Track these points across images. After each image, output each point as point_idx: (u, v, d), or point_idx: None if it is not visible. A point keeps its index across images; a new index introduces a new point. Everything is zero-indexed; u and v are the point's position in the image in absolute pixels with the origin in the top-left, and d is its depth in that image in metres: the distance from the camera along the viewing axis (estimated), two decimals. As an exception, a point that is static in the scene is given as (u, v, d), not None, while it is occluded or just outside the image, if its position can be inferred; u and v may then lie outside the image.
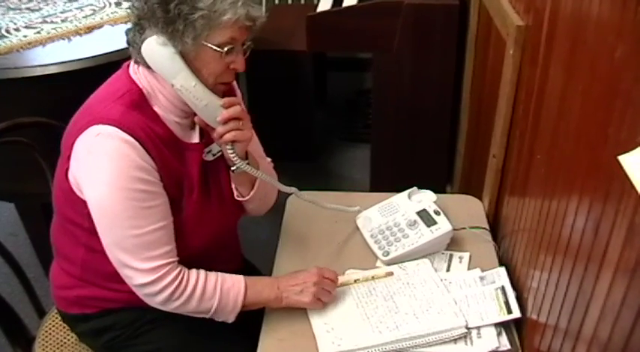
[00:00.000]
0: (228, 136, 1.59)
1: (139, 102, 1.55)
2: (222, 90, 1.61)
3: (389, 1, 2.83)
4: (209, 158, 1.69)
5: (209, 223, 1.70)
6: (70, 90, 2.34)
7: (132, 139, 1.49)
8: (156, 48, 1.49)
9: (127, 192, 1.50)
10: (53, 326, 1.94)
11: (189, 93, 1.52)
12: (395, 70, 2.96)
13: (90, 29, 2.66)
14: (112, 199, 1.51)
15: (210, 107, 1.56)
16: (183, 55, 1.50)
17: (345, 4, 3.12)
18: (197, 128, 1.66)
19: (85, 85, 2.34)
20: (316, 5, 3.28)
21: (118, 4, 2.89)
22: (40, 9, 2.86)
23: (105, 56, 2.37)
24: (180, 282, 1.58)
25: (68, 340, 1.91)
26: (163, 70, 1.51)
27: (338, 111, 4.57)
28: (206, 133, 1.67)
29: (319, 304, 1.71)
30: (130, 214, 1.52)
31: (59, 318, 1.93)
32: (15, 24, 2.70)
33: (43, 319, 1.99)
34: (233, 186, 1.75)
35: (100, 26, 2.69)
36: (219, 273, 1.66)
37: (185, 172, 1.63)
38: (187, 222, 1.63)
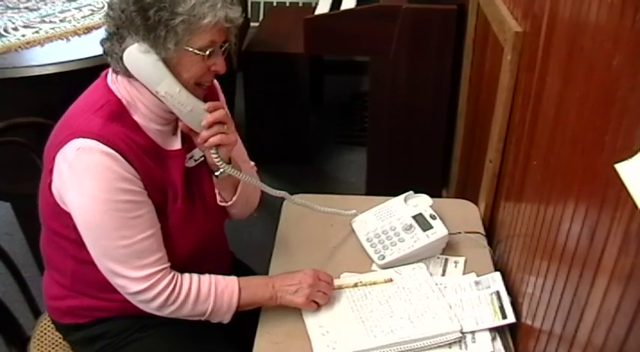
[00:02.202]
0: (213, 140, 1.59)
1: (118, 113, 1.54)
2: (204, 94, 1.61)
3: (387, 5, 2.84)
4: (191, 164, 1.68)
5: (194, 230, 1.69)
6: (68, 91, 2.34)
7: (113, 152, 1.48)
8: (138, 56, 1.48)
9: (112, 204, 1.50)
10: (48, 326, 1.94)
11: (174, 99, 1.52)
12: (392, 73, 2.97)
13: (88, 30, 2.66)
14: (98, 212, 1.50)
15: (195, 112, 1.56)
16: (166, 61, 1.50)
17: (342, 7, 3.13)
18: (178, 134, 1.66)
19: (82, 85, 2.34)
20: (314, 8, 3.29)
21: (116, 5, 2.89)
22: (39, 8, 2.86)
23: (103, 57, 2.36)
24: (175, 287, 1.59)
25: (63, 341, 1.91)
26: (147, 77, 1.50)
27: (334, 114, 4.58)
28: (187, 139, 1.66)
29: (313, 305, 1.71)
30: (118, 225, 1.51)
31: (54, 319, 1.93)
32: (13, 23, 2.70)
33: (38, 319, 1.98)
34: (216, 191, 1.75)
35: (98, 27, 2.69)
36: (212, 275, 1.66)
37: (168, 180, 1.62)
38: (173, 230, 1.63)
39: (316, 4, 3.34)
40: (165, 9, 1.44)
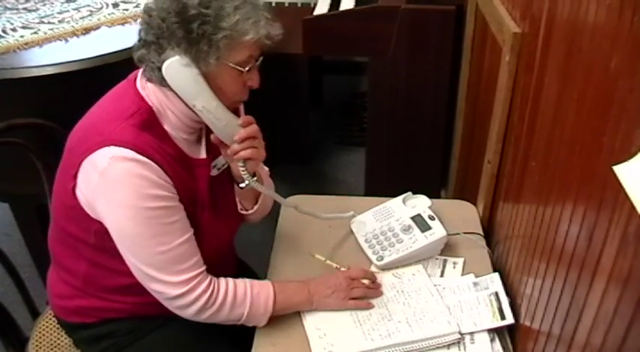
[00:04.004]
0: (243, 154, 1.59)
1: (149, 122, 1.53)
2: (236, 108, 1.61)
3: (385, 6, 2.84)
4: (214, 173, 1.68)
5: (217, 236, 1.71)
6: (67, 92, 2.35)
7: (147, 160, 1.47)
8: (180, 69, 1.46)
9: (148, 211, 1.48)
10: (47, 327, 1.94)
11: (210, 114, 1.52)
12: (391, 74, 2.96)
13: (87, 30, 2.66)
14: (134, 220, 1.48)
15: (229, 126, 1.57)
16: (205, 76, 1.49)
17: (341, 7, 3.13)
18: (203, 143, 1.66)
19: (81, 86, 2.34)
20: (313, 8, 3.29)
21: (115, 6, 2.89)
22: (38, 9, 2.86)
23: (101, 58, 2.37)
24: (213, 291, 1.58)
25: (62, 341, 1.91)
26: (186, 91, 1.49)
27: (333, 114, 4.58)
28: (212, 148, 1.66)
29: (350, 303, 1.72)
30: (155, 232, 1.50)
31: (53, 319, 1.93)
32: (12, 24, 2.70)
33: (36, 320, 1.98)
34: (237, 199, 1.76)
35: (97, 27, 2.69)
36: (246, 279, 1.66)
37: (197, 189, 1.62)
38: (201, 237, 1.63)
39: (315, 4, 3.34)
40: (209, 23, 1.43)
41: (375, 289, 1.76)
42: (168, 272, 1.54)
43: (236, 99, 1.58)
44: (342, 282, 1.71)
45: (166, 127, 1.56)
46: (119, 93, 1.61)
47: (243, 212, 1.78)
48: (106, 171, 1.46)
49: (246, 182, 1.65)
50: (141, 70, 1.58)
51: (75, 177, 1.52)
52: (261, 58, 1.58)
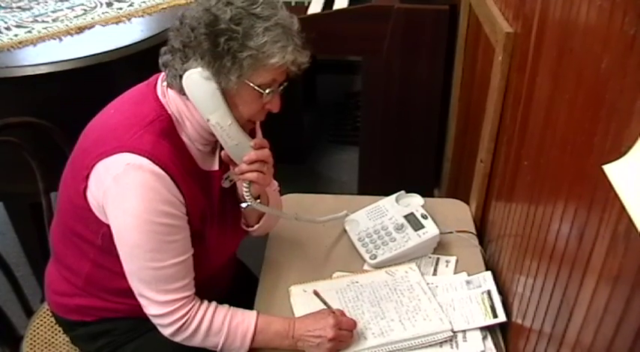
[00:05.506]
0: (249, 176, 1.58)
1: (168, 131, 1.52)
2: (250, 128, 1.61)
3: (379, 5, 2.85)
4: (226, 185, 1.68)
5: (225, 248, 1.72)
6: (61, 91, 2.34)
7: (162, 173, 1.46)
8: (200, 81, 1.45)
9: (151, 225, 1.47)
10: (41, 325, 1.94)
11: (223, 131, 1.51)
12: (384, 73, 2.97)
13: (81, 29, 2.65)
14: (135, 230, 1.48)
15: (240, 146, 1.55)
16: (224, 92, 1.48)
17: (335, 7, 3.13)
18: (217, 155, 1.65)
19: (75, 85, 2.34)
20: (306, 8, 3.29)
21: (109, 5, 2.88)
22: (31, 8, 2.85)
23: (96, 57, 2.36)
24: (189, 316, 1.57)
25: (56, 339, 1.91)
26: (203, 104, 1.48)
27: (327, 113, 4.58)
28: (224, 160, 1.65)
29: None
30: (152, 247, 1.49)
31: (47, 317, 1.93)
32: (6, 23, 2.69)
33: (31, 318, 1.98)
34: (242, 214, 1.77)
35: (91, 26, 2.68)
36: (230, 309, 1.63)
37: (207, 202, 1.62)
38: (207, 252, 1.63)
39: (309, 3, 3.34)
40: (236, 39, 1.42)
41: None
42: (154, 289, 1.53)
43: (252, 119, 1.58)
44: (329, 332, 1.60)
45: (183, 137, 1.55)
46: (138, 97, 1.59)
47: (245, 227, 1.78)
48: (120, 177, 1.45)
49: (248, 203, 1.64)
50: (162, 75, 1.57)
51: (87, 178, 1.51)
52: (285, 84, 1.56)
